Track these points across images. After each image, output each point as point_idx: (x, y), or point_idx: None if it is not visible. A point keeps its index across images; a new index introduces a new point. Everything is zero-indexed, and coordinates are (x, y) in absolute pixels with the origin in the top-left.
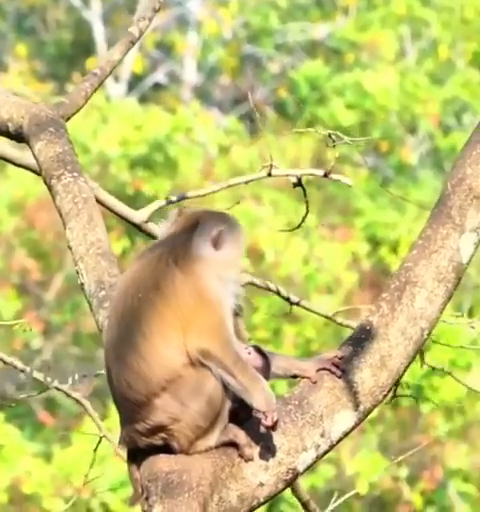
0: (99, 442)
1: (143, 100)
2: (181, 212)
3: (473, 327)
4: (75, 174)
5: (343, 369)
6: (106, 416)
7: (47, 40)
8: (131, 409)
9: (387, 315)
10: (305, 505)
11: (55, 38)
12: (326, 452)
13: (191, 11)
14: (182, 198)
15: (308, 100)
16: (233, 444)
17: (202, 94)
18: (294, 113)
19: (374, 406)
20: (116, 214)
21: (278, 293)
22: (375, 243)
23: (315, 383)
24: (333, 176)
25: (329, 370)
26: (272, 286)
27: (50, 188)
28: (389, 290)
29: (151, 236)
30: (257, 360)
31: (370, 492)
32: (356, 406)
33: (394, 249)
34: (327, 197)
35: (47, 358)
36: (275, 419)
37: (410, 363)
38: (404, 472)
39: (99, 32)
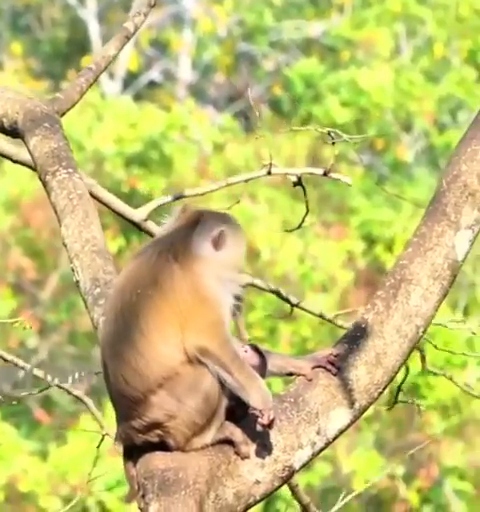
0: (102, 440)
1: (138, 98)
2: (184, 209)
3: (474, 333)
4: (70, 170)
5: (338, 367)
6: (102, 414)
7: (42, 38)
8: (127, 406)
9: (382, 313)
10: (305, 508)
11: (50, 36)
12: (322, 449)
13: (186, 9)
14: (180, 197)
15: (303, 98)
16: (229, 442)
17: (197, 92)
18: (289, 111)
19: (369, 404)
20: (115, 212)
21: (278, 294)
22: (370, 241)
23: (310, 381)
24: (332, 175)
25: (324, 368)
26: (272, 287)
27: (45, 184)
28: (384, 288)
29: (150, 234)
30: (254, 358)
31: (366, 490)
32: (351, 403)
33: (389, 247)
34: (322, 195)
35: (43, 357)
36: (271, 417)
37: (405, 360)
38: (400, 470)
39: (94, 30)
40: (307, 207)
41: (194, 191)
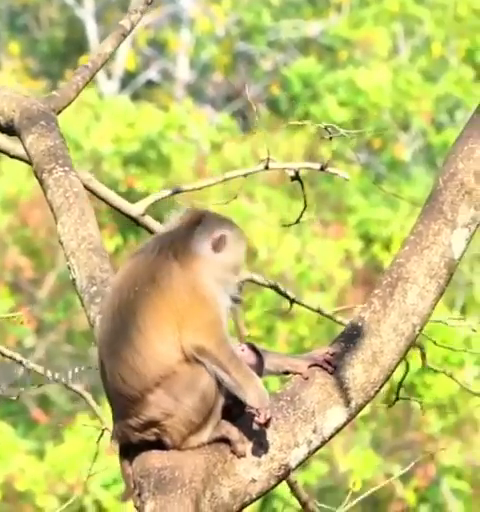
0: (101, 435)
1: (136, 97)
2: (189, 210)
3: (474, 330)
4: (66, 168)
5: (335, 365)
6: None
7: (40, 38)
8: (124, 404)
9: (379, 311)
10: (304, 505)
11: (48, 36)
12: (318, 448)
13: (184, 8)
14: (178, 191)
15: (301, 97)
16: (226, 440)
17: (195, 91)
18: (287, 110)
19: (366, 402)
20: (112, 207)
21: (277, 289)
22: (368, 240)
23: (307, 379)
24: (329, 170)
25: (321, 366)
26: (271, 283)
27: (41, 182)
28: (381, 286)
29: (147, 229)
30: (251, 357)
31: (363, 489)
32: (348, 402)
33: (387, 246)
34: (320, 194)
35: (40, 356)
36: (268, 416)
37: (402, 359)
38: (397, 469)
39: (92, 30)
40: (305, 202)
41: (191, 185)
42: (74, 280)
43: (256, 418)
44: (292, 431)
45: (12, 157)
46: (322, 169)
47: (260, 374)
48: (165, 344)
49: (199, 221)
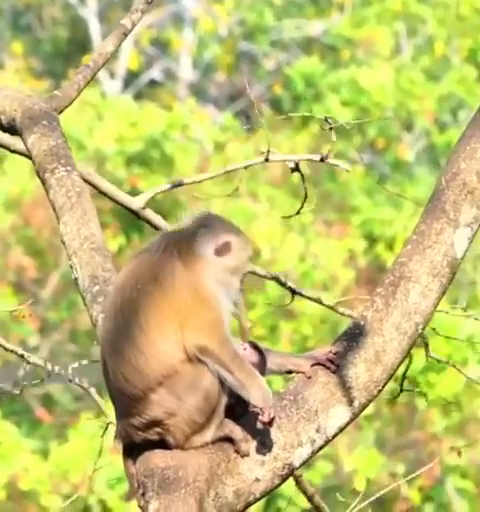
0: (106, 428)
1: (139, 97)
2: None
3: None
4: (69, 168)
5: (338, 364)
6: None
7: (43, 37)
8: (127, 403)
9: (381, 310)
10: (310, 498)
11: (51, 35)
12: (321, 447)
13: (186, 8)
14: (178, 185)
15: (304, 97)
16: (229, 439)
17: (198, 91)
18: (290, 110)
19: (369, 401)
20: (113, 201)
21: (278, 281)
22: (371, 240)
23: (310, 378)
24: (330, 161)
25: (324, 365)
26: (272, 274)
27: (43, 182)
28: (383, 285)
29: (148, 222)
30: (253, 356)
31: (368, 488)
32: (351, 401)
33: (390, 246)
34: (323, 194)
35: (44, 355)
36: (272, 415)
37: (404, 358)
38: (401, 469)
39: (95, 29)
40: (306, 193)
41: (192, 179)
42: (76, 279)
43: (260, 417)
44: (295, 430)
45: (12, 152)
46: (322, 160)
47: (263, 373)
48: (167, 343)
49: (206, 223)
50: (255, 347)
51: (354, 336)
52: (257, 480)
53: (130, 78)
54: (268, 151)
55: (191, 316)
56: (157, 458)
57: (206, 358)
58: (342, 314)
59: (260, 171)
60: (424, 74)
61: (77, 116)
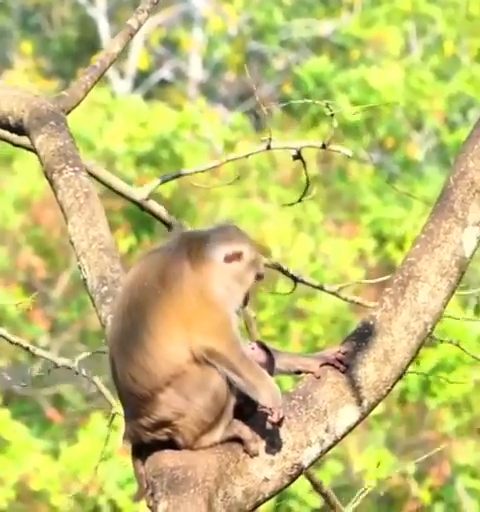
0: (112, 418)
1: (148, 97)
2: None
3: None
4: (77, 168)
5: (347, 364)
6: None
7: (52, 37)
8: (136, 404)
9: (390, 310)
10: (317, 487)
11: (60, 35)
12: (330, 447)
13: (196, 8)
14: (179, 175)
15: (313, 96)
16: (238, 439)
17: (208, 90)
18: (299, 109)
19: (378, 401)
20: (116, 192)
21: (280, 269)
22: (381, 239)
23: (319, 378)
24: (332, 147)
25: (333, 365)
26: (274, 263)
27: (51, 182)
28: (392, 285)
29: (152, 214)
30: (261, 356)
31: (378, 488)
32: (360, 401)
33: (400, 245)
34: (333, 194)
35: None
36: (281, 415)
37: (414, 358)
38: (412, 468)
39: (104, 29)
40: (307, 181)
41: (193, 169)
42: (85, 280)
43: (269, 417)
44: (304, 430)
45: (15, 146)
46: (324, 147)
47: (271, 373)
48: (175, 345)
49: (222, 230)
50: (263, 347)
51: (363, 336)
52: (266, 480)
53: (140, 78)
54: (270, 139)
55: (197, 319)
56: (166, 458)
57: (214, 361)
58: (345, 299)
59: (270, 171)
60: (434, 74)
61: (87, 116)
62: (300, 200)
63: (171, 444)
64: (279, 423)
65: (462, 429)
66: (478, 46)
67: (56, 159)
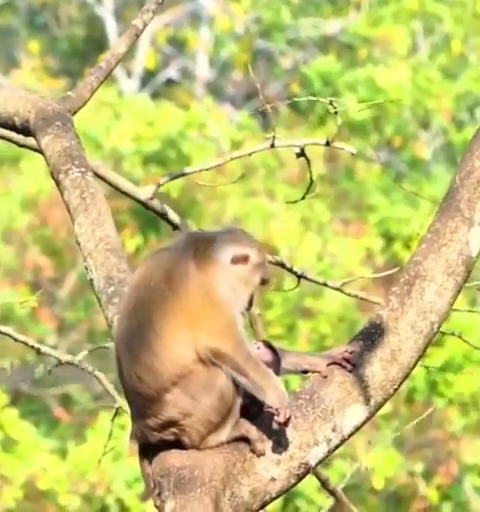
0: (115, 414)
1: (156, 96)
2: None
3: None
4: (83, 169)
5: (353, 363)
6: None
7: (60, 36)
8: (142, 404)
9: (397, 309)
10: (324, 484)
11: (68, 34)
12: (338, 446)
13: (203, 6)
14: (183, 174)
15: (320, 95)
16: (245, 439)
17: (215, 89)
18: (306, 108)
19: (385, 400)
20: (121, 191)
21: (283, 266)
22: (389, 238)
23: (325, 377)
24: (336, 144)
25: (339, 365)
26: (277, 259)
27: (58, 183)
28: (399, 284)
29: (156, 213)
30: (267, 355)
31: (386, 487)
32: (367, 400)
33: (408, 244)
34: (340, 193)
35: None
36: (288, 415)
37: (420, 357)
38: (420, 467)
39: (111, 28)
40: (311, 178)
41: (198, 167)
42: (92, 280)
43: (276, 418)
44: (311, 430)
45: (21, 146)
46: (328, 144)
47: (277, 372)
48: (180, 345)
49: (230, 232)
50: (269, 346)
51: (370, 335)
52: (273, 479)
53: (147, 77)
54: (274, 137)
55: (203, 319)
56: (173, 458)
57: (220, 361)
58: (349, 295)
59: (277, 169)
60: (441, 72)
61: (94, 115)
62: (304, 198)
63: (178, 444)
64: (285, 423)
65: (470, 428)
66: None
67: (62, 160)
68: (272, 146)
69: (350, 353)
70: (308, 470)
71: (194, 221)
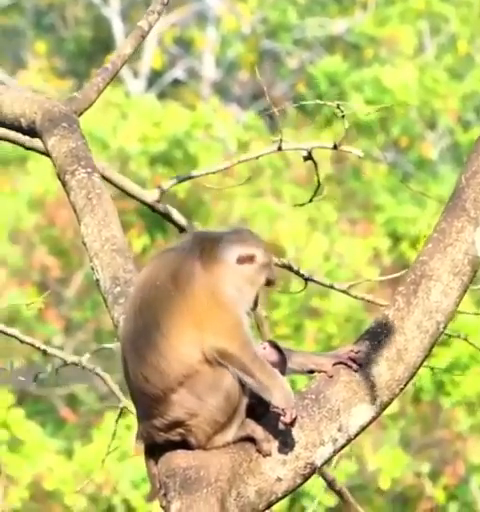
0: (120, 414)
1: (162, 96)
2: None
3: None
4: (89, 170)
5: (359, 363)
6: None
7: (66, 37)
8: (148, 404)
9: (403, 309)
10: (331, 484)
11: (74, 35)
12: (343, 446)
13: (210, 7)
14: (190, 177)
15: (327, 95)
16: (251, 439)
17: (221, 90)
18: (313, 108)
19: (391, 400)
20: (127, 194)
21: (290, 268)
22: (396, 238)
23: (331, 377)
24: (343, 148)
25: (345, 364)
26: (284, 262)
27: (64, 184)
28: (405, 284)
29: (163, 215)
30: (273, 355)
31: (392, 488)
32: (373, 400)
33: (415, 244)
34: (347, 192)
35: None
36: (294, 416)
37: (426, 356)
38: (426, 468)
39: (118, 28)
40: (318, 182)
41: (205, 170)
42: (98, 281)
43: (282, 418)
44: (317, 429)
45: (27, 149)
46: (335, 147)
47: (283, 372)
48: (186, 345)
49: (236, 232)
50: (275, 346)
51: (376, 335)
52: (279, 479)
53: (154, 77)
54: (281, 140)
55: (209, 320)
56: (179, 458)
57: (226, 362)
58: (355, 297)
59: (284, 170)
60: (447, 73)
61: (101, 115)
62: (311, 200)
63: (184, 444)
64: (292, 423)
65: (476, 428)
66: None
67: (68, 160)
68: (279, 149)
69: (356, 353)
70: (314, 470)
71: (201, 221)
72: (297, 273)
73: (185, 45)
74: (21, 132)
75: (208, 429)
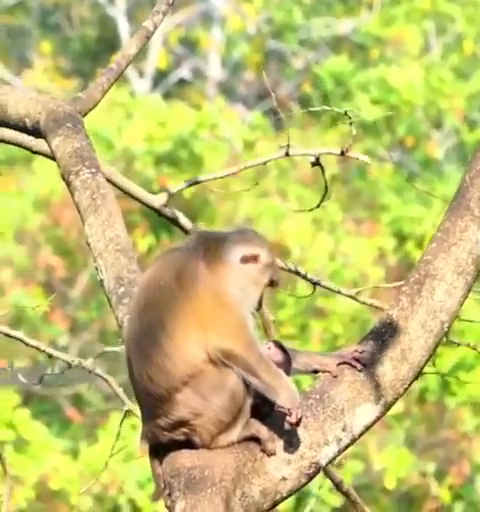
0: (124, 416)
1: (168, 96)
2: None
3: None
4: (93, 170)
5: (364, 363)
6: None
7: (72, 36)
8: (153, 404)
9: (407, 308)
10: (338, 486)
11: (80, 34)
12: (348, 446)
13: (215, 7)
14: (198, 181)
15: (333, 96)
16: (255, 439)
17: (226, 90)
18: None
19: (396, 399)
20: (134, 198)
21: (297, 273)
22: (401, 238)
23: (336, 377)
24: (350, 154)
25: (350, 364)
26: (292, 267)
27: (68, 184)
28: (409, 283)
29: (170, 220)
30: (277, 355)
31: (398, 487)
32: (377, 399)
33: (420, 244)
34: (353, 192)
35: (74, 355)
36: (299, 416)
37: (431, 356)
38: (432, 467)
39: (123, 28)
40: (326, 187)
41: (212, 175)
42: (102, 281)
43: (288, 418)
44: (322, 429)
45: (34, 153)
46: (342, 154)
47: (287, 372)
48: (191, 345)
49: (240, 232)
50: (280, 346)
51: (380, 335)
52: (284, 479)
53: (159, 77)
54: (288, 145)
55: (213, 320)
56: (183, 458)
57: (231, 362)
58: (363, 303)
59: (290, 170)
60: (453, 72)
61: (106, 115)
62: (319, 206)
63: (188, 444)
64: (297, 423)
65: None
66: None
67: (73, 161)
68: (286, 155)
69: (360, 353)
70: (318, 470)
71: (206, 222)
72: (305, 277)
73: (190, 45)
74: (25, 132)
75: (213, 429)
